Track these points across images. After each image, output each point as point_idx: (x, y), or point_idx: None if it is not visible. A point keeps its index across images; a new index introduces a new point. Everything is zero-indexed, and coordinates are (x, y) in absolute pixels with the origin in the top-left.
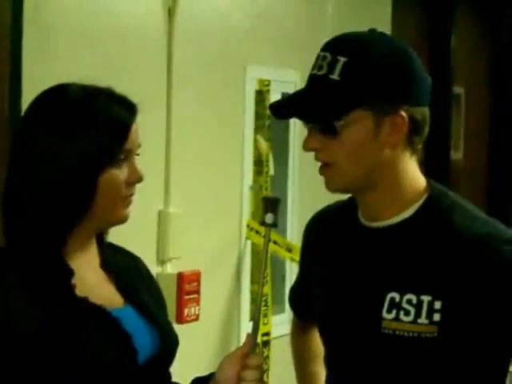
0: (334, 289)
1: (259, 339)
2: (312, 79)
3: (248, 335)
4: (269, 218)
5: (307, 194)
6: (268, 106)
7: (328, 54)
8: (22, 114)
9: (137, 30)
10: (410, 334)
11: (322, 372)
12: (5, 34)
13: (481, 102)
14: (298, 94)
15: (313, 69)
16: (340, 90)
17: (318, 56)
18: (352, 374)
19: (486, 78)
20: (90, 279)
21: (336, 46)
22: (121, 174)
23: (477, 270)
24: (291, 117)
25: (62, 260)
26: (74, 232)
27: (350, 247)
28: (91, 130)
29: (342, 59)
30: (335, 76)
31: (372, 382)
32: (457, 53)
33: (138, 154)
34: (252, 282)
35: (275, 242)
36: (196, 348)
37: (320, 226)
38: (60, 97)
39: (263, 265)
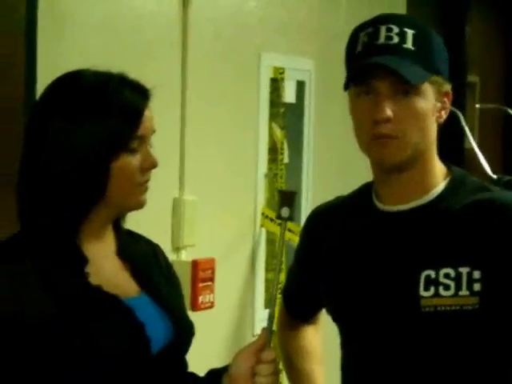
0: (360, 278)
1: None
2: (385, 47)
3: (263, 329)
4: (285, 211)
5: (321, 181)
6: (351, 72)
7: (394, 27)
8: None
9: (151, 17)
10: (452, 308)
11: (318, 370)
12: (20, 21)
13: (495, 91)
14: (378, 60)
15: (375, 39)
16: (417, 59)
17: (378, 28)
18: (387, 360)
19: (500, 67)
20: (105, 267)
21: (396, 19)
22: (134, 160)
23: (510, 233)
24: (382, 78)
25: (76, 247)
26: (90, 219)
27: (371, 234)
28: (103, 115)
29: (410, 31)
30: (409, 46)
31: (411, 364)
32: (472, 42)
33: (151, 141)
34: (267, 270)
35: (290, 230)
36: (210, 335)
37: (327, 221)
38: (73, 82)
39: (278, 258)
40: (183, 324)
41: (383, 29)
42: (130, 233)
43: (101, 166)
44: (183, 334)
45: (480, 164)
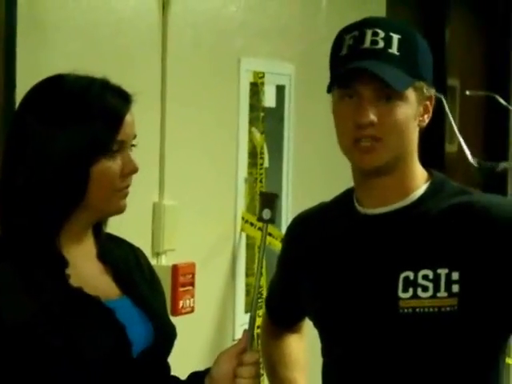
0: (340, 281)
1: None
2: (370, 52)
3: (245, 331)
4: (266, 213)
5: (301, 186)
6: (335, 75)
7: (379, 31)
8: (16, 106)
9: (130, 22)
10: (431, 310)
11: (301, 378)
12: None
13: (476, 95)
14: (363, 65)
15: (360, 43)
16: (402, 64)
17: (364, 32)
18: (368, 362)
19: (480, 70)
20: (86, 270)
21: (382, 23)
22: (114, 164)
23: (489, 235)
24: (366, 84)
25: (56, 250)
26: (70, 222)
27: (351, 237)
28: (83, 119)
29: (396, 36)
30: (394, 51)
31: (389, 365)
32: (451, 46)
33: (134, 145)
34: (247, 275)
35: (270, 234)
36: (191, 340)
37: (309, 227)
38: (55, 87)
39: (259, 260)
40: (164, 327)
41: (369, 33)
42: (111, 236)
43: (80, 169)
44: (164, 336)
45: (460, 168)
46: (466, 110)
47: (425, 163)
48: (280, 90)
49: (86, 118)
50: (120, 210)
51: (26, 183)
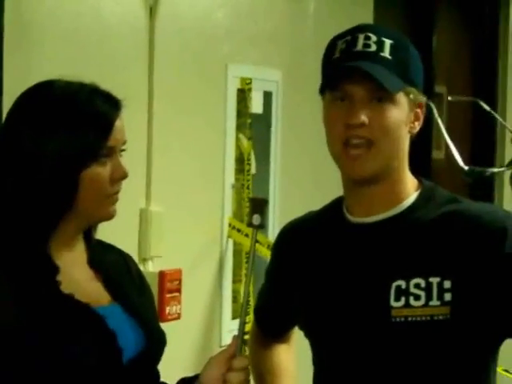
0: (332, 290)
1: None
2: (362, 54)
3: (234, 337)
4: (256, 219)
5: (289, 192)
6: (327, 77)
7: (372, 35)
8: (3, 112)
9: (118, 28)
10: (423, 319)
11: None
12: None
13: (463, 102)
14: (355, 65)
15: (352, 46)
16: (394, 68)
17: (356, 36)
18: (360, 371)
19: (467, 77)
20: (77, 276)
21: (374, 29)
22: (104, 170)
23: (481, 243)
24: (360, 84)
25: (47, 256)
26: (61, 229)
27: (342, 246)
28: (73, 125)
29: (388, 41)
30: (387, 54)
31: (382, 374)
32: (438, 53)
33: (124, 150)
34: (234, 281)
35: (257, 241)
36: (178, 346)
37: (298, 236)
38: (44, 93)
39: (249, 266)
40: (155, 333)
41: (361, 37)
42: (101, 243)
43: (70, 175)
44: (155, 343)
45: (447, 175)
46: (453, 117)
47: (412, 170)
48: (267, 96)
49: (76, 123)
50: (110, 216)
51: (15, 189)
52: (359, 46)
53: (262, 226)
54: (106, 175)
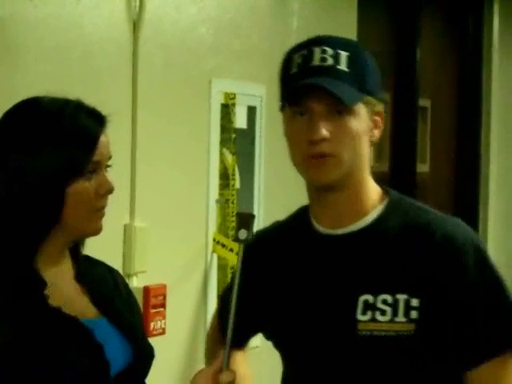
0: (299, 302)
1: None
2: (319, 69)
3: (220, 351)
4: (242, 233)
5: (273, 206)
6: (287, 93)
7: (328, 48)
8: None
9: (101, 43)
10: (388, 334)
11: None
12: None
13: (447, 115)
14: (314, 82)
15: (309, 61)
16: (351, 80)
17: (312, 50)
18: (325, 383)
19: (452, 90)
20: (64, 291)
21: (330, 41)
22: (90, 185)
23: (447, 263)
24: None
25: (34, 271)
26: (48, 244)
27: (310, 257)
28: (58, 141)
29: (344, 53)
30: (343, 67)
31: None
32: (422, 65)
33: (110, 166)
34: (218, 296)
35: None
36: (162, 361)
37: (265, 246)
38: (29, 109)
39: (236, 281)
40: (142, 347)
41: (317, 50)
42: (88, 258)
43: (55, 191)
44: (143, 356)
45: (432, 188)
46: (437, 130)
47: (397, 183)
48: (251, 111)
49: (61, 139)
50: (96, 232)
51: (2, 205)
52: (316, 61)
53: (247, 241)
54: (92, 190)
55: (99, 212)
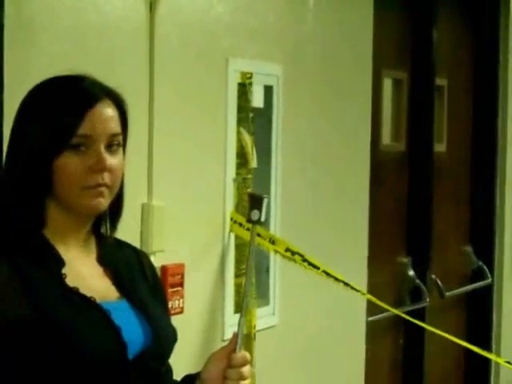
0: None
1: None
2: None
3: (234, 333)
4: (254, 214)
5: (289, 186)
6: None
7: None
8: (4, 106)
9: (118, 24)
10: None
11: None
12: None
13: (463, 94)
14: None
15: None
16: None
17: None
18: None
19: (468, 69)
20: (84, 272)
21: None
22: (77, 159)
23: None
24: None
25: (53, 250)
26: (53, 219)
27: None
28: (50, 111)
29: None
30: None
31: None
32: (439, 45)
33: (114, 143)
34: (236, 275)
35: (259, 235)
36: (180, 341)
37: None
38: (43, 84)
39: (249, 261)
40: (164, 329)
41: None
42: (116, 240)
43: (43, 161)
44: (163, 339)
45: (449, 167)
46: (453, 109)
47: (414, 163)
48: (268, 90)
49: (52, 110)
50: (91, 209)
51: (7, 178)
52: None
53: (260, 222)
54: (79, 164)
55: (94, 189)
